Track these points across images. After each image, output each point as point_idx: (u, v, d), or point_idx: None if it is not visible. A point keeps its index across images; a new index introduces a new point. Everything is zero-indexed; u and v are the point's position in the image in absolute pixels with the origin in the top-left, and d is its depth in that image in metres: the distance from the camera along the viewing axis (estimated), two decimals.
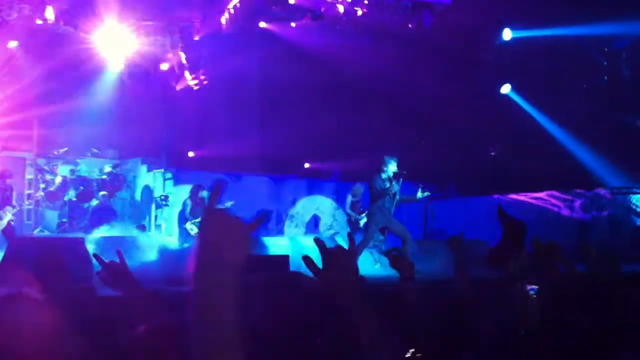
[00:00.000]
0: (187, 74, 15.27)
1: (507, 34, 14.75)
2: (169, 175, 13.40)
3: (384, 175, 9.34)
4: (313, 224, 15.12)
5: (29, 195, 12.53)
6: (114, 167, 13.19)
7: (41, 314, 1.88)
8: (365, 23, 14.35)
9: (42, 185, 12.78)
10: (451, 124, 15.54)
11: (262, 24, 14.76)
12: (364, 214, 11.17)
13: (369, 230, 9.47)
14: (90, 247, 8.28)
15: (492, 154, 17.07)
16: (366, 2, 13.73)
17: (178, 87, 15.59)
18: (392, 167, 9.36)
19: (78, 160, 13.27)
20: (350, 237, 1.87)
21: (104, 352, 2.02)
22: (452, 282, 3.38)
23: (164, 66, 15.31)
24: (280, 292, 2.68)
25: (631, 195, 12.07)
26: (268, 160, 15.73)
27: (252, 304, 2.55)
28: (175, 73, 15.45)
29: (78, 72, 14.05)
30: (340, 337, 1.77)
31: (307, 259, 1.77)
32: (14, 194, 11.13)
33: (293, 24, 14.76)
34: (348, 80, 15.59)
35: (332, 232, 14.51)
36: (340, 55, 15.12)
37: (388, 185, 9.26)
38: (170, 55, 15.15)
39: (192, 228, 11.80)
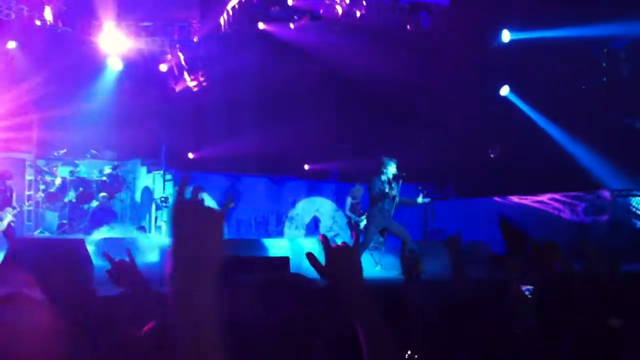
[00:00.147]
0: (186, 74, 15.28)
1: (506, 36, 14.77)
2: (168, 176, 13.40)
3: (383, 177, 9.34)
4: (313, 226, 15.13)
5: (29, 197, 12.54)
6: (114, 168, 13.19)
7: (42, 315, 1.89)
8: (364, 24, 14.36)
9: (42, 187, 12.78)
10: (450, 125, 15.55)
11: (261, 25, 14.76)
12: (364, 216, 11.17)
13: (369, 232, 9.47)
14: (91, 249, 8.29)
15: (492, 155, 17.08)
16: (364, 3, 13.74)
17: (177, 88, 15.60)
18: (391, 169, 9.36)
19: (77, 162, 13.27)
20: (356, 236, 1.87)
21: (106, 352, 2.03)
22: (450, 282, 3.39)
23: (163, 67, 15.31)
24: (280, 292, 2.69)
25: (631, 198, 12.08)
26: (267, 162, 15.74)
27: (252, 304, 2.56)
28: (174, 74, 15.46)
29: (77, 72, 14.05)
30: (341, 337, 1.78)
31: (310, 256, 1.77)
32: (14, 195, 11.13)
33: (292, 25, 14.76)
34: (347, 81, 15.60)
35: (332, 233, 14.52)
36: (338, 56, 15.13)
37: (387, 188, 9.26)
38: (169, 56, 15.16)
39: None
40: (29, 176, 12.77)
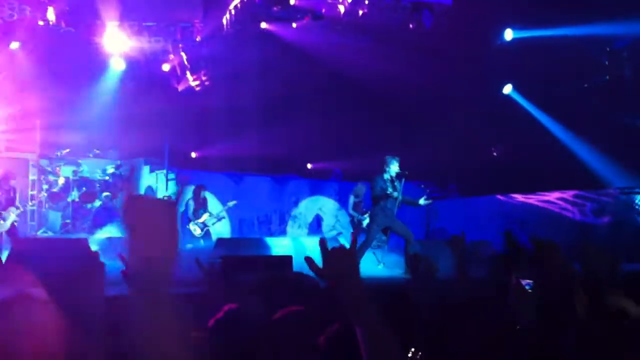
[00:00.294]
0: (188, 74, 15.31)
1: (509, 34, 14.77)
2: (171, 175, 13.43)
3: (385, 176, 9.35)
4: (316, 225, 15.14)
5: (32, 196, 12.57)
6: (117, 168, 13.21)
7: (50, 315, 1.90)
8: (366, 23, 14.36)
9: (45, 186, 12.81)
10: (453, 124, 15.55)
11: (263, 25, 14.78)
12: (366, 215, 11.18)
13: (371, 230, 9.47)
14: (94, 248, 8.31)
15: (494, 154, 17.08)
16: (367, 2, 13.74)
17: (180, 88, 15.62)
18: (393, 168, 9.36)
19: (80, 162, 13.30)
20: (354, 236, 1.89)
21: (110, 351, 2.05)
22: (453, 281, 3.40)
23: (166, 67, 15.34)
24: (282, 291, 2.71)
25: (634, 196, 12.07)
26: (270, 161, 15.76)
27: (254, 303, 2.58)
28: (177, 74, 15.49)
29: (80, 72, 14.09)
30: (343, 335, 1.79)
31: (309, 260, 1.79)
32: (18, 195, 11.16)
33: (294, 25, 14.77)
34: (349, 80, 15.60)
35: (334, 232, 14.54)
36: (341, 56, 15.13)
37: (390, 187, 9.26)
38: (171, 56, 15.19)
39: (195, 229, 11.82)
40: (32, 176, 12.80)
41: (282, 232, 14.57)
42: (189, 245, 11.25)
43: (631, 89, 13.76)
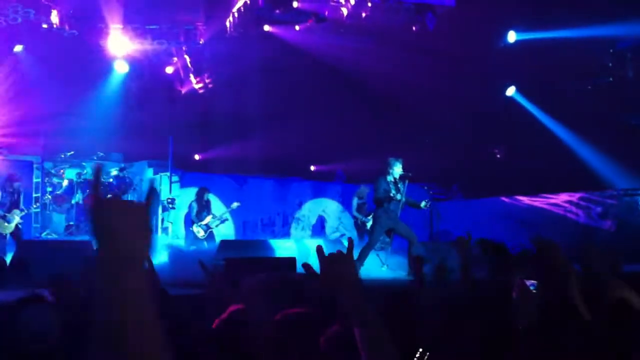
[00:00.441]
0: (192, 77, 15.35)
1: (512, 36, 14.77)
2: (175, 178, 13.44)
3: (389, 178, 9.34)
4: (319, 227, 15.14)
5: (36, 199, 12.59)
6: (121, 170, 13.23)
7: (55, 315, 1.91)
8: (369, 25, 14.38)
9: (49, 189, 12.83)
10: (456, 125, 15.55)
11: (267, 27, 14.81)
12: (370, 216, 11.17)
13: (375, 232, 9.45)
14: None
15: (498, 155, 17.07)
16: (369, 4, 13.76)
17: (183, 90, 15.66)
18: (397, 169, 9.35)
19: (84, 164, 13.32)
20: (350, 241, 1.89)
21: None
22: (457, 283, 3.40)
23: (169, 69, 15.38)
24: (285, 292, 2.71)
25: (637, 197, 12.04)
26: (274, 163, 15.77)
27: (257, 304, 2.59)
28: (180, 76, 15.53)
29: (83, 75, 14.13)
30: (346, 336, 1.80)
31: (306, 266, 1.80)
32: (22, 198, 11.19)
33: (297, 27, 14.80)
34: (353, 82, 15.62)
35: (338, 234, 14.53)
36: (343, 58, 15.16)
37: (393, 188, 9.25)
38: (175, 59, 15.23)
39: (199, 230, 11.83)
40: (37, 178, 12.82)
41: (286, 234, 14.57)
42: (193, 247, 11.26)
43: (634, 90, 13.75)
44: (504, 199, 14.19)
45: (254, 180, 14.78)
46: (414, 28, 14.20)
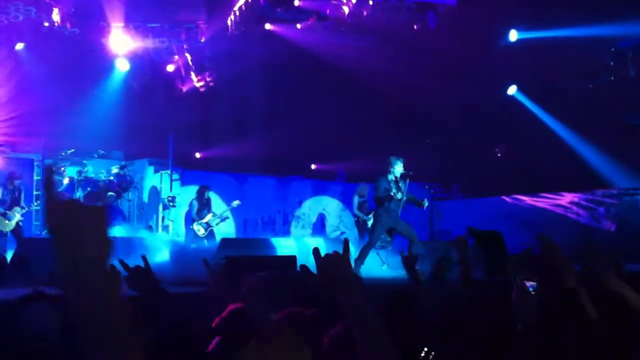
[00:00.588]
0: (193, 75, 15.35)
1: (513, 35, 14.76)
2: (175, 176, 13.44)
3: (390, 177, 9.33)
4: (319, 225, 15.14)
5: (37, 197, 12.59)
6: (121, 168, 13.23)
7: (59, 312, 1.91)
8: (371, 24, 14.38)
9: None
10: (457, 125, 15.55)
11: (268, 26, 14.81)
12: (371, 215, 11.17)
13: (375, 231, 9.45)
14: None
15: (499, 154, 17.07)
16: (371, 3, 13.75)
17: (184, 89, 15.67)
18: (398, 168, 9.34)
19: (85, 162, 13.32)
20: (346, 241, 1.90)
21: None
22: (457, 282, 3.41)
23: (170, 68, 15.39)
24: (286, 290, 2.72)
25: (638, 197, 12.04)
26: (274, 161, 15.78)
27: (258, 302, 2.59)
28: (182, 74, 15.54)
29: (85, 73, 14.13)
30: (348, 335, 1.81)
31: (303, 268, 1.82)
32: (23, 195, 11.19)
33: (298, 26, 14.80)
34: (353, 81, 15.62)
35: (338, 233, 14.53)
36: (345, 56, 15.16)
37: (394, 189, 9.24)
38: (176, 57, 15.23)
39: (199, 229, 11.84)
40: (37, 176, 12.83)
41: (286, 233, 14.57)
42: (193, 246, 11.26)
43: (636, 90, 13.74)
44: (505, 198, 14.20)
45: (254, 178, 14.78)
46: (415, 27, 14.19)
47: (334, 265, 1.77)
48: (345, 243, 1.88)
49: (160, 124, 13.90)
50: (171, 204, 13.05)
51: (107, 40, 13.99)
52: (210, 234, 11.94)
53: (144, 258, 2.77)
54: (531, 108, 15.41)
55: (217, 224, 12.17)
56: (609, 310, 2.06)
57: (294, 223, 15.00)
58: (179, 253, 9.11)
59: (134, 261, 2.74)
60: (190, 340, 2.37)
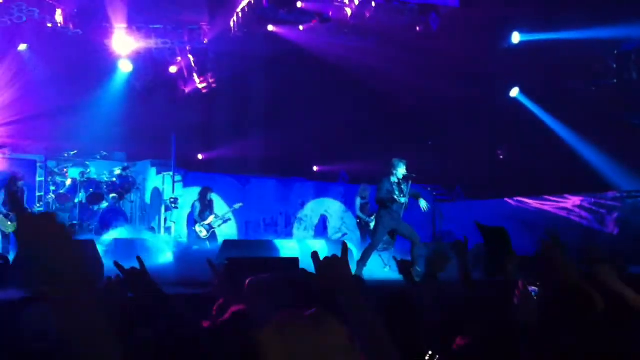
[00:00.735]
0: (195, 76, 15.37)
1: (516, 37, 14.76)
2: (178, 177, 13.45)
3: (393, 179, 9.31)
4: (322, 227, 15.13)
5: (39, 198, 12.61)
6: (124, 169, 13.25)
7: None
8: (373, 26, 14.38)
9: (52, 188, 12.85)
10: (459, 126, 15.54)
11: (270, 27, 14.82)
12: (373, 217, 11.16)
13: (378, 233, 9.43)
14: (101, 249, 8.34)
15: (501, 156, 17.06)
16: (373, 4, 13.76)
17: (187, 90, 15.68)
18: (401, 170, 9.32)
19: (88, 163, 13.35)
20: (344, 245, 1.92)
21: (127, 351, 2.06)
22: (456, 284, 3.42)
23: (173, 69, 15.40)
24: (287, 293, 2.71)
25: None
26: (276, 163, 15.79)
27: (262, 304, 2.59)
28: (184, 76, 15.55)
29: (87, 75, 14.16)
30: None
31: (303, 271, 1.83)
32: (25, 196, 11.20)
33: (301, 27, 14.81)
34: (356, 82, 15.63)
35: (340, 234, 14.52)
36: (347, 58, 15.16)
37: (397, 190, 9.22)
38: (179, 58, 15.25)
39: (201, 230, 11.84)
40: (40, 177, 12.85)
41: (289, 234, 14.57)
42: (195, 247, 11.26)
43: (639, 92, 13.73)
44: (507, 200, 14.17)
45: (256, 180, 14.78)
46: (417, 28, 14.19)
47: (333, 267, 1.79)
48: (344, 245, 1.89)
49: (163, 125, 13.91)
50: (173, 205, 13.06)
51: (110, 41, 14.02)
52: (213, 236, 11.95)
53: (139, 259, 2.77)
54: (533, 110, 15.40)
55: (219, 226, 12.17)
56: (609, 310, 2.06)
57: (296, 225, 14.99)
58: (183, 254, 9.12)
59: (136, 263, 2.74)
60: (189, 341, 2.36)
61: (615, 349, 1.85)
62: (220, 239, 11.29)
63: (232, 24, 14.26)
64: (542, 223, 12.76)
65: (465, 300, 2.94)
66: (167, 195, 13.37)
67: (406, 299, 2.77)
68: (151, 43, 14.32)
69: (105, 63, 14.32)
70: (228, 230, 13.03)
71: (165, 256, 9.50)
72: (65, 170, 13.17)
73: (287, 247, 10.29)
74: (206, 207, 12.02)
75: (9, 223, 10.61)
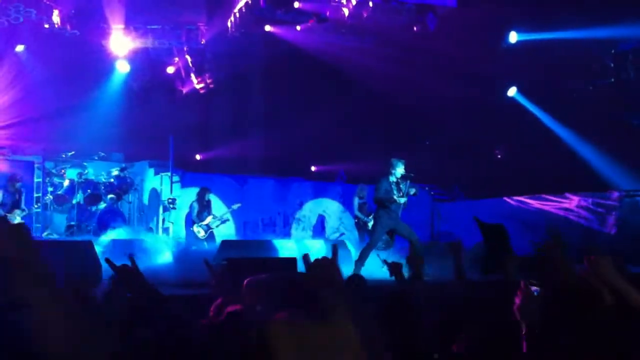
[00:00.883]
0: (193, 76, 15.36)
1: (513, 37, 14.77)
2: (176, 178, 13.44)
3: (391, 178, 9.32)
4: (320, 227, 15.13)
5: (37, 199, 12.60)
6: (121, 170, 13.24)
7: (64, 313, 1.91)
8: (370, 26, 14.39)
9: (50, 189, 12.84)
10: (457, 126, 15.56)
11: (268, 28, 14.82)
12: (371, 216, 11.16)
13: (376, 233, 9.44)
14: (99, 250, 8.33)
15: (498, 156, 17.07)
16: (371, 4, 13.76)
17: (184, 90, 15.68)
18: (399, 170, 9.33)
19: (85, 164, 13.33)
20: (335, 247, 1.94)
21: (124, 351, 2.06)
22: (452, 284, 3.43)
23: (170, 69, 15.40)
24: (286, 293, 2.71)
25: (639, 198, 12.02)
26: (274, 163, 15.79)
27: (257, 304, 2.59)
28: (182, 76, 15.55)
29: (85, 75, 14.15)
30: None
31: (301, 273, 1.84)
32: (23, 198, 11.19)
33: (298, 27, 14.81)
34: (354, 83, 15.63)
35: (338, 234, 14.53)
36: (345, 58, 15.17)
37: (395, 190, 9.23)
38: (176, 59, 15.25)
39: (199, 231, 11.83)
40: (38, 178, 12.83)
41: (287, 235, 14.56)
42: (193, 248, 11.25)
43: (636, 91, 13.75)
44: (506, 199, 14.18)
45: (254, 180, 14.77)
46: (415, 28, 14.19)
47: (322, 268, 1.81)
48: (334, 247, 1.92)
49: (161, 126, 13.91)
50: (171, 206, 13.05)
51: (107, 41, 14.01)
52: (211, 236, 11.93)
53: (131, 257, 2.76)
54: (531, 109, 15.42)
55: (217, 226, 12.16)
56: (608, 311, 2.05)
57: (294, 225, 14.98)
58: (181, 255, 9.11)
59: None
60: (189, 341, 2.36)
61: (616, 349, 1.85)
62: (219, 240, 11.28)
63: (229, 24, 14.25)
64: (541, 222, 12.77)
65: (464, 300, 2.94)
66: (165, 195, 13.35)
67: (405, 299, 2.77)
68: (148, 43, 14.31)
69: (103, 64, 14.30)
70: (226, 231, 13.02)
71: (163, 257, 9.49)
72: (62, 171, 13.15)
73: (285, 247, 10.29)
74: (204, 207, 12.00)
75: None
